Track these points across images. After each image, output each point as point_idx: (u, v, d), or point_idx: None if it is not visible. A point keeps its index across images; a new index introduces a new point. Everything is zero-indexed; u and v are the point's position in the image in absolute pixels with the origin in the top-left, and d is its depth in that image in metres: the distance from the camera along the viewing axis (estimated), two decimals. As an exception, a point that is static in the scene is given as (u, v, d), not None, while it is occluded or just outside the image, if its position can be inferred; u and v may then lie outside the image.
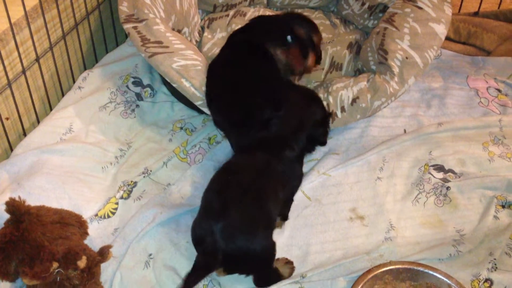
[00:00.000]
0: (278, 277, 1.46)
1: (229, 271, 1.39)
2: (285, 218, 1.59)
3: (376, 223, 1.63)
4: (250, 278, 1.47)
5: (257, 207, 1.35)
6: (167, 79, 1.71)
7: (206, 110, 1.72)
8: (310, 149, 1.56)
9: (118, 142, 1.79)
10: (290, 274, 1.48)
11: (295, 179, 1.52)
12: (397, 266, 1.46)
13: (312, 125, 1.53)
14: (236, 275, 1.47)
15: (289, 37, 1.74)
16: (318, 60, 1.85)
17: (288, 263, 1.50)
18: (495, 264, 1.52)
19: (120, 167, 1.72)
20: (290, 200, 1.58)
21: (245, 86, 1.63)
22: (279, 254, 1.52)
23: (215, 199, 1.35)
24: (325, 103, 1.74)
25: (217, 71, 1.69)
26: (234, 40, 1.80)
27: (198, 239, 1.35)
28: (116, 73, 1.94)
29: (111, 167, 1.72)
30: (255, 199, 1.35)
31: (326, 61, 2.07)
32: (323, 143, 1.57)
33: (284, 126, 1.50)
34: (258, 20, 1.88)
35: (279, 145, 1.47)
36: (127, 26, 1.75)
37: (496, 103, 2.04)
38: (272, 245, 1.40)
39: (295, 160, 1.48)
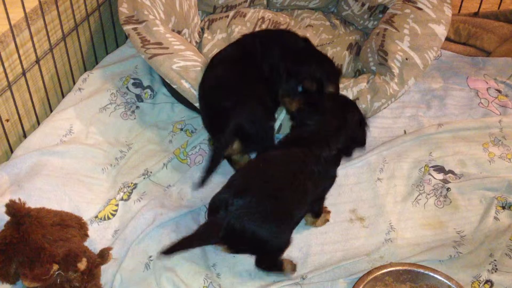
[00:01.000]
0: (280, 269, 1.47)
1: (232, 249, 1.42)
2: (316, 215, 1.59)
3: (376, 224, 1.63)
4: (252, 280, 1.47)
5: (276, 200, 1.36)
6: (167, 80, 1.71)
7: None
8: (349, 152, 1.54)
9: (118, 144, 1.79)
10: (293, 270, 1.49)
11: (327, 180, 1.51)
12: (397, 268, 1.46)
13: (352, 127, 1.52)
14: (237, 276, 1.48)
15: (300, 88, 1.69)
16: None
17: (292, 263, 1.51)
18: (495, 266, 1.52)
19: (120, 169, 1.72)
20: (321, 199, 1.57)
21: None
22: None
23: (240, 179, 1.41)
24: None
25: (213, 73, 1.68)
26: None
27: (213, 209, 1.38)
28: (116, 75, 1.94)
29: (111, 168, 1.72)
30: (277, 192, 1.37)
31: (326, 62, 2.07)
32: (364, 143, 1.56)
33: (325, 126, 1.49)
34: (273, 46, 1.74)
35: (317, 144, 1.46)
36: (127, 28, 1.75)
37: (496, 103, 2.03)
38: (284, 241, 1.41)
39: (331, 161, 1.48)
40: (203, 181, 1.54)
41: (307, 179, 1.40)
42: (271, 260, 1.46)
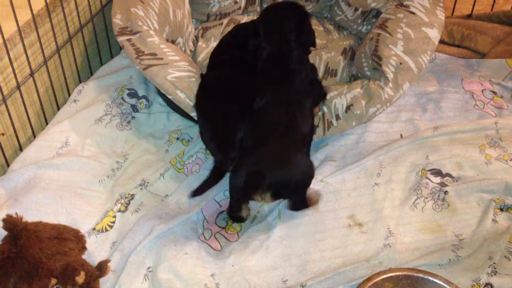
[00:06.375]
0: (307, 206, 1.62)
1: (275, 196, 1.52)
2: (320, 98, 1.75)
3: (374, 229, 1.62)
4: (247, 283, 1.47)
5: (290, 136, 1.51)
6: (162, 91, 1.71)
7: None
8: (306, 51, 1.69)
9: (115, 155, 1.79)
10: (317, 201, 1.65)
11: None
12: (397, 273, 1.46)
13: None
14: (236, 285, 1.48)
15: None
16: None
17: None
18: (495, 268, 1.52)
19: (117, 180, 1.72)
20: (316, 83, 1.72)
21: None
22: (278, 263, 1.53)
23: (252, 136, 1.54)
24: (320, 113, 1.76)
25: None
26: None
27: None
28: (111, 85, 1.94)
29: (108, 180, 1.72)
30: (286, 129, 1.52)
31: (320, 67, 2.07)
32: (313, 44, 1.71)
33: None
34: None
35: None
36: (121, 39, 1.75)
37: (492, 105, 2.04)
38: (310, 165, 1.56)
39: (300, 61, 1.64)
40: (198, 192, 1.62)
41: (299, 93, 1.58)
42: (304, 194, 1.59)
